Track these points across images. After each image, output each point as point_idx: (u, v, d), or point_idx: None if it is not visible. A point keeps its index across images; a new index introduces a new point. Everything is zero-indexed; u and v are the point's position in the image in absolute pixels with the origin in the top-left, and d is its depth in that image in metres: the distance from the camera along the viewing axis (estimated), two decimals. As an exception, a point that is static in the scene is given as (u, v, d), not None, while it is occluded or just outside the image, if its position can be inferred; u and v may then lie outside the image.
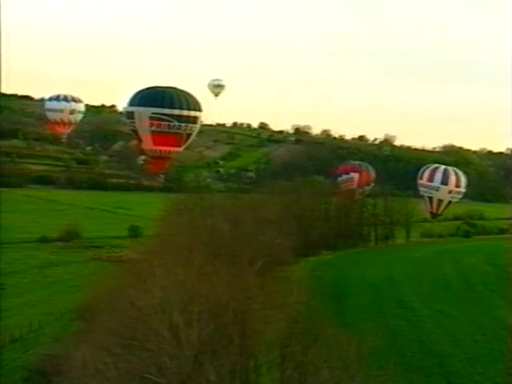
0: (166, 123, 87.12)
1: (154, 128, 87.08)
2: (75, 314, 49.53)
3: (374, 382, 24.52)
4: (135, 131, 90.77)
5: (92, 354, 23.38)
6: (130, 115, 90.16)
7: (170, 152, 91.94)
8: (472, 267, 62.16)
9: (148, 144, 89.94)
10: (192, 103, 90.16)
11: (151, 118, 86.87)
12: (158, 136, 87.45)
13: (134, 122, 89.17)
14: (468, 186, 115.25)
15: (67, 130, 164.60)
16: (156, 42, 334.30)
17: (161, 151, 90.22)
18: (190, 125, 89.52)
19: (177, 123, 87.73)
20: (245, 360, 22.89)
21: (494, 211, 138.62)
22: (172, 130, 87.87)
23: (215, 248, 38.35)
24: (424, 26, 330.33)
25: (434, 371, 35.68)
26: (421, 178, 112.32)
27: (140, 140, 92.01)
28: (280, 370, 23.55)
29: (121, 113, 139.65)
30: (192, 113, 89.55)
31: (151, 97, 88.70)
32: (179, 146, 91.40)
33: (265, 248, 46.30)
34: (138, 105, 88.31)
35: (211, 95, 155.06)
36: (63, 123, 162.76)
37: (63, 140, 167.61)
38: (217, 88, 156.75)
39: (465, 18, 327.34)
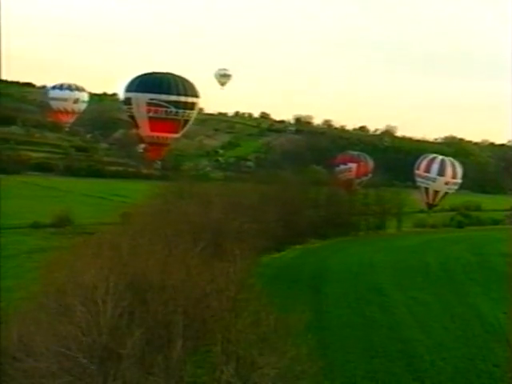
0: (164, 109, 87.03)
1: (151, 114, 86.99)
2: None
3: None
4: (132, 117, 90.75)
5: (24, 330, 23.81)
6: (127, 101, 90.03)
7: (167, 138, 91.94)
8: (455, 256, 62.46)
9: (145, 130, 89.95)
10: (189, 89, 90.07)
11: (148, 104, 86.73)
12: (155, 122, 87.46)
13: (131, 108, 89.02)
14: (467, 177, 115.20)
15: (71, 119, 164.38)
16: (159, 31, 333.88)
17: (158, 137, 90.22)
18: (187, 111, 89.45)
19: (174, 109, 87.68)
20: (162, 331, 23.26)
21: (491, 202, 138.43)
22: (169, 116, 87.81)
23: (174, 230, 38.62)
24: (428, 17, 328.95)
25: (398, 356, 36.05)
26: (418, 169, 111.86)
27: (137, 126, 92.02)
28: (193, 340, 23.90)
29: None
30: (189, 99, 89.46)
31: (149, 83, 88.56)
32: (176, 132, 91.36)
33: (227, 232, 46.41)
34: (136, 91, 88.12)
35: (216, 84, 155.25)
36: (66, 112, 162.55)
37: (66, 129, 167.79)
38: (223, 77, 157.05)
39: (468, 9, 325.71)
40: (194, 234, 39.28)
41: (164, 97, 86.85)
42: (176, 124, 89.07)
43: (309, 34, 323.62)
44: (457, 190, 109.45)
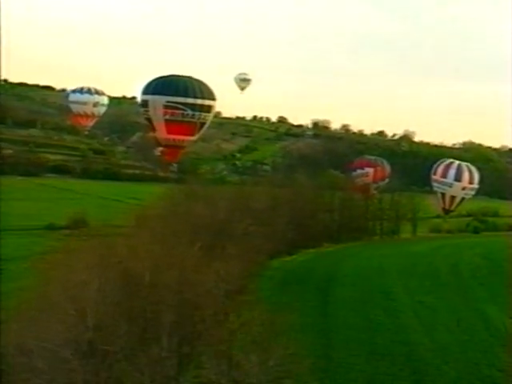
0: (180, 112, 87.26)
1: (167, 116, 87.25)
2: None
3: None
4: (149, 120, 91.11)
5: (20, 329, 24.14)
6: (144, 104, 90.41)
7: (183, 141, 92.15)
8: (466, 261, 62.24)
9: (162, 133, 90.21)
10: (206, 92, 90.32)
11: (165, 107, 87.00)
12: (172, 125, 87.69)
13: (148, 111, 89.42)
14: (485, 183, 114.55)
15: (90, 123, 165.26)
16: (179, 34, 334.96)
17: (174, 140, 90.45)
18: (203, 114, 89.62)
19: (190, 112, 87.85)
20: (150, 328, 23.49)
21: (509, 208, 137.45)
22: (186, 119, 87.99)
23: (176, 231, 38.82)
24: (448, 22, 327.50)
25: (402, 359, 35.98)
26: (434, 174, 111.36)
27: (154, 129, 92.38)
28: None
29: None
30: (206, 101, 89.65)
31: (165, 85, 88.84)
32: (193, 134, 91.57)
33: (231, 234, 46.52)
34: (153, 93, 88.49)
35: (235, 88, 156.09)
36: (86, 116, 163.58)
37: (86, 132, 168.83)
38: (243, 82, 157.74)
39: (488, 13, 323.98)
40: (195, 234, 39.49)
41: (181, 99, 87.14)
42: (192, 127, 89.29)
43: (329, 38, 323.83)
44: (474, 195, 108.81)
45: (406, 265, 60.80)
